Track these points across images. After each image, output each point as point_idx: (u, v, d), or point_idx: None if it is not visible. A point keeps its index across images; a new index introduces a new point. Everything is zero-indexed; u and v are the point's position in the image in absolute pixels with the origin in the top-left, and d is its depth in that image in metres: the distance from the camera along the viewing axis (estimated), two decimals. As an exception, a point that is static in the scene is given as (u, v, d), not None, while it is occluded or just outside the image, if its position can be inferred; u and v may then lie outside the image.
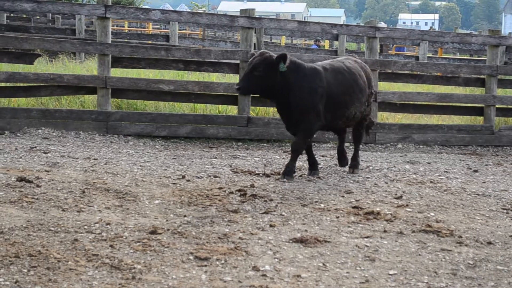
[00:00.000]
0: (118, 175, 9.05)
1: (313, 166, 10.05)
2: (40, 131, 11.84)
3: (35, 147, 10.59)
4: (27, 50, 14.56)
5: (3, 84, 12.77)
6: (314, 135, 10.17)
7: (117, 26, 38.41)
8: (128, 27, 39.60)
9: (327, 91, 9.64)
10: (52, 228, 6.52)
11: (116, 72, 14.13)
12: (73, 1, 48.35)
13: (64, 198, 7.64)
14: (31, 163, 9.43)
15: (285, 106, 9.61)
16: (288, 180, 9.41)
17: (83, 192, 7.95)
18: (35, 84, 12.47)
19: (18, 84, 12.60)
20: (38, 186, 8.04)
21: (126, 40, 24.46)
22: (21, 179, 8.19)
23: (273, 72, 9.32)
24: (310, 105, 9.52)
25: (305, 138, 9.64)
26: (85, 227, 6.64)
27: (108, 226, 6.71)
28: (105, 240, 6.30)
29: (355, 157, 10.53)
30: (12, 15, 30.99)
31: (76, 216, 6.98)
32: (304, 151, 9.90)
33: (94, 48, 12.62)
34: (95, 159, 9.99)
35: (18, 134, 11.65)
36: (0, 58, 12.64)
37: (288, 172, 9.56)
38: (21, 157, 9.74)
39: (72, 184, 8.27)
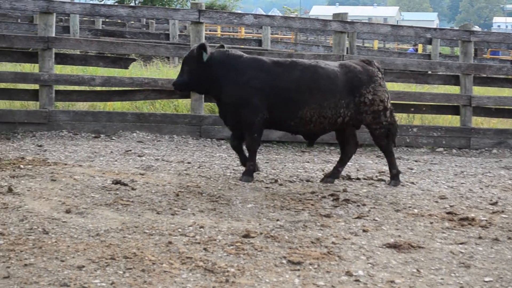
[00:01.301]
0: (212, 179, 9.11)
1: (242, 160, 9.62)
2: (134, 134, 12.01)
3: (130, 150, 10.75)
4: (122, 55, 14.80)
5: (99, 88, 13.00)
6: (260, 129, 9.32)
7: (210, 31, 38.71)
8: (221, 31, 39.88)
9: (272, 85, 9.20)
10: (147, 231, 6.60)
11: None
12: (167, 6, 48.99)
13: (158, 201, 7.73)
14: (126, 166, 9.58)
15: (219, 100, 9.47)
16: (247, 181, 9.17)
17: (177, 195, 8.03)
18: (130, 88, 12.66)
19: (113, 88, 12.81)
20: (133, 189, 8.15)
21: (218, 44, 24.61)
22: (116, 182, 8.33)
23: (201, 65, 9.21)
24: (240, 98, 9.16)
25: (250, 135, 9.24)
26: (179, 230, 6.70)
27: (201, 229, 6.76)
28: (199, 243, 6.34)
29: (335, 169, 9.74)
30: (107, 20, 31.56)
31: (170, 219, 7.06)
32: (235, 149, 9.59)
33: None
34: (188, 162, 10.08)
35: (114, 138, 11.83)
36: (96, 63, 12.86)
37: (248, 171, 9.32)
38: (116, 160, 9.89)
39: (166, 187, 8.36)
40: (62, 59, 12.53)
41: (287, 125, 9.40)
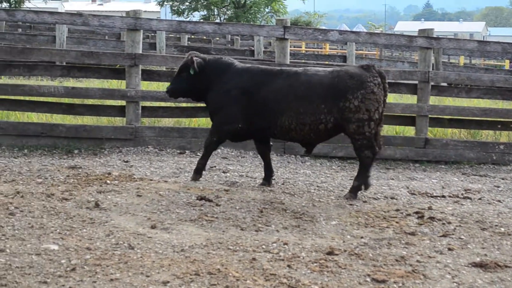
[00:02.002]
0: (295, 195, 9.11)
1: (266, 172, 9.79)
2: (219, 150, 12.08)
3: (215, 166, 10.82)
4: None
5: (184, 105, 13.13)
6: (229, 138, 9.69)
7: (294, 47, 38.81)
8: (305, 47, 39.93)
9: (253, 93, 9.29)
10: (231, 247, 6.62)
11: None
12: (252, 23, 49.25)
13: (242, 217, 7.75)
14: (211, 182, 9.64)
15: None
16: (194, 179, 9.52)
17: (261, 211, 8.04)
18: (215, 105, 12.74)
19: (198, 105, 12.91)
20: (217, 205, 8.20)
21: (303, 61, 24.65)
22: (201, 198, 8.39)
23: (196, 74, 9.40)
24: (219, 106, 9.43)
25: (212, 137, 9.58)
26: (263, 246, 6.71)
27: (285, 246, 6.75)
28: (283, 260, 6.34)
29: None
30: (193, 37, 31.91)
31: (254, 235, 7.07)
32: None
33: (272, 69, 12.78)
34: (273, 179, 10.09)
35: (199, 154, 11.89)
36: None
37: (197, 170, 9.66)
38: (203, 175, 9.95)
39: (250, 204, 8.38)
40: (148, 75, 12.69)
41: (272, 134, 9.48)
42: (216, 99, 9.45)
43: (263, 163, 9.84)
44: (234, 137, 9.68)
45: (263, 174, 9.81)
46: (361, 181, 9.30)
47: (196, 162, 9.79)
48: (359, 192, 9.33)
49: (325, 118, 9.12)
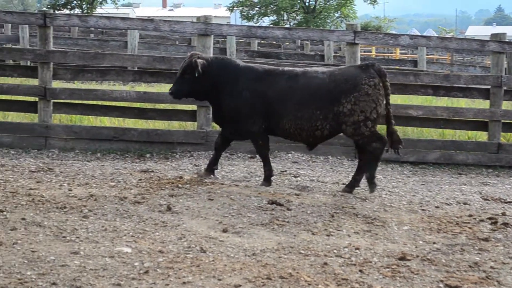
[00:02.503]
0: (367, 200, 9.05)
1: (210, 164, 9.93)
2: (290, 155, 12.08)
3: (285, 171, 10.82)
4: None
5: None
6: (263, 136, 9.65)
7: (364, 52, 38.64)
8: (375, 52, 39.72)
9: (263, 95, 9.38)
10: (302, 251, 6.61)
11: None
12: (321, 28, 49.17)
13: (313, 221, 7.74)
14: (282, 186, 9.64)
15: (217, 108, 9.78)
16: (267, 186, 9.47)
17: (332, 216, 8.02)
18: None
19: (269, 109, 12.93)
20: (288, 209, 8.20)
21: (373, 66, 24.51)
22: (272, 202, 8.39)
23: (200, 75, 9.41)
24: (236, 109, 9.48)
25: (256, 142, 9.68)
26: (335, 251, 6.68)
27: (357, 250, 6.72)
28: (354, 264, 6.31)
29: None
30: (263, 42, 32.00)
31: (326, 240, 7.05)
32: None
33: (343, 74, 12.76)
34: (343, 183, 10.04)
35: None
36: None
37: (266, 177, 9.65)
38: (272, 181, 9.96)
39: (321, 208, 8.36)
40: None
41: (277, 134, 9.74)
42: (230, 102, 9.52)
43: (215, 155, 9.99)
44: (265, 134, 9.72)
45: (335, 178, 9.76)
46: (373, 172, 9.34)
47: (263, 171, 9.77)
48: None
49: (321, 125, 9.29)
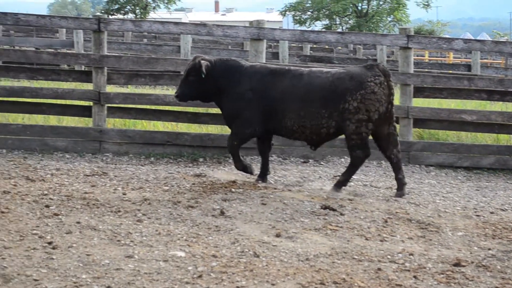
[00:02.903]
0: (420, 206, 8.99)
1: (262, 169, 10.09)
2: (342, 159, 12.04)
3: (338, 175, 10.77)
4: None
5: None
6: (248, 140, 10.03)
7: (417, 56, 38.39)
8: (429, 56, 39.44)
9: (264, 95, 9.51)
10: (356, 257, 6.59)
11: (418, 102, 14.10)
12: (374, 32, 48.99)
13: (367, 227, 7.71)
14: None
15: (221, 109, 10.03)
16: (250, 172, 9.92)
17: (386, 221, 7.98)
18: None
19: (321, 114, 12.90)
20: (341, 214, 8.17)
21: (426, 70, 24.36)
22: (325, 207, 8.38)
23: (205, 77, 9.53)
24: (236, 112, 9.64)
25: (232, 141, 9.76)
26: (388, 256, 6.65)
27: (411, 256, 6.68)
28: (408, 270, 6.27)
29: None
30: (315, 46, 31.95)
31: (379, 245, 7.02)
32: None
33: (396, 78, 12.67)
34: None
35: (322, 163, 11.91)
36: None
37: (243, 170, 9.94)
38: (325, 185, 9.94)
39: (374, 213, 8.32)
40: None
41: (280, 134, 9.85)
42: (231, 105, 9.69)
43: (261, 160, 10.15)
44: (251, 138, 9.98)
45: (388, 184, 9.71)
46: (347, 178, 9.49)
47: (234, 167, 10.10)
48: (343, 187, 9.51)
49: (326, 123, 9.38)
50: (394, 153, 9.56)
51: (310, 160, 12.00)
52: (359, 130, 9.23)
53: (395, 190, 9.67)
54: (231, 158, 10.06)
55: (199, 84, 9.66)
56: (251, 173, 9.99)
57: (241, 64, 9.81)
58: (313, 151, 10.20)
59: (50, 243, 6.47)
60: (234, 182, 9.71)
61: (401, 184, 9.59)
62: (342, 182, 9.45)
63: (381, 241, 7.20)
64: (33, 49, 24.37)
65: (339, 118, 9.28)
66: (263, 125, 9.59)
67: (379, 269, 6.24)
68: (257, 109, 9.51)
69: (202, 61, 9.60)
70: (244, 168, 9.92)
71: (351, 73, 9.36)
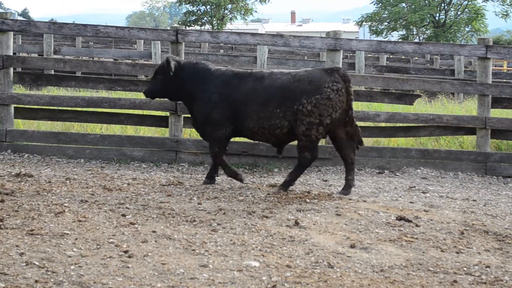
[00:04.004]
0: (497, 217, 8.86)
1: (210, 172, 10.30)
2: (418, 171, 11.95)
3: (414, 186, 10.70)
4: (407, 91, 14.80)
5: (383, 124, 13.08)
6: (225, 141, 10.04)
7: (495, 66, 37.84)
8: (507, 67, 38.84)
9: (230, 97, 9.73)
10: (431, 268, 6.52)
11: (496, 113, 13.90)
12: (451, 42, 48.43)
13: (442, 238, 7.62)
14: (410, 202, 9.53)
15: (189, 110, 10.26)
16: (240, 180, 10.07)
17: (462, 233, 7.88)
18: (414, 125, 12.62)
19: (397, 124, 12.83)
20: (417, 225, 8.10)
21: (505, 80, 23.99)
22: (400, 218, 8.31)
23: (172, 77, 9.88)
24: (205, 114, 9.86)
25: (213, 147, 9.99)
26: (464, 268, 6.57)
27: (487, 269, 6.58)
28: (485, 283, 6.18)
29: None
30: (391, 56, 31.76)
31: (455, 257, 6.93)
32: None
33: (474, 89, 12.54)
34: (473, 200, 9.88)
35: (397, 174, 11.83)
36: (381, 99, 12.92)
37: (234, 177, 10.14)
38: (400, 196, 9.88)
39: (450, 225, 8.23)
40: (367, 96, 12.84)
41: (245, 136, 10.11)
42: (200, 107, 9.91)
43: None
44: (227, 140, 10.11)
45: (464, 195, 9.61)
46: (294, 178, 9.85)
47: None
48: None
49: (280, 123, 9.64)
50: (350, 155, 9.92)
51: (386, 171, 11.94)
52: (309, 132, 9.53)
53: (340, 189, 10.01)
54: (221, 166, 10.17)
55: (166, 82, 10.01)
56: (241, 180, 10.14)
57: (209, 68, 10.03)
58: (278, 154, 10.43)
59: (126, 251, 6.56)
60: (308, 192, 9.71)
61: (348, 185, 9.89)
62: (288, 182, 9.82)
63: (457, 253, 7.11)
64: (112, 60, 24.75)
65: (292, 118, 9.56)
66: (232, 126, 9.85)
67: (455, 281, 6.16)
68: (225, 111, 9.75)
69: (170, 60, 9.91)
70: (234, 175, 10.13)
71: (310, 76, 9.62)
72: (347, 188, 9.84)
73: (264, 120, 9.63)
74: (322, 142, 12.29)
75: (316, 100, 9.44)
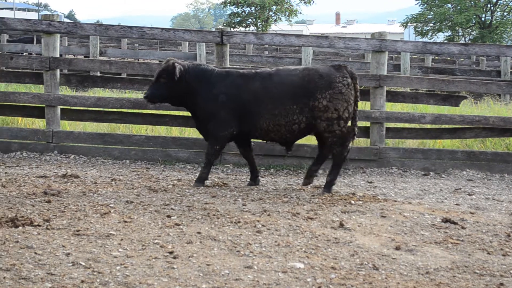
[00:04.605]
0: (545, 220, 8.76)
1: (252, 174, 10.30)
2: (464, 172, 11.86)
3: (460, 188, 10.62)
4: (453, 92, 14.70)
5: (428, 126, 12.99)
6: (226, 143, 10.12)
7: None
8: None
9: (238, 98, 9.70)
10: (477, 271, 6.47)
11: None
12: (497, 43, 47.97)
13: (489, 241, 7.55)
14: (456, 204, 9.46)
15: (193, 113, 10.07)
16: (198, 187, 9.74)
17: (508, 235, 7.80)
18: (459, 126, 12.52)
19: (443, 126, 12.74)
20: (462, 227, 8.04)
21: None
22: (446, 220, 8.26)
23: (177, 80, 9.66)
24: (210, 113, 9.73)
25: (213, 146, 9.88)
26: (511, 271, 6.50)
27: (534, 272, 6.51)
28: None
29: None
30: (437, 58, 31.55)
31: (501, 260, 6.86)
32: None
33: (521, 90, 12.42)
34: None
35: (443, 176, 11.75)
36: (426, 100, 12.84)
37: (199, 179, 9.96)
38: (445, 198, 9.81)
39: (497, 227, 8.15)
40: (393, 96, 12.67)
41: (254, 136, 10.03)
42: (206, 107, 9.78)
43: (248, 165, 10.40)
44: (229, 141, 10.14)
45: (511, 197, 9.52)
46: (334, 177, 9.92)
47: (199, 172, 10.20)
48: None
49: (298, 118, 9.70)
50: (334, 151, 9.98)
51: (431, 173, 11.86)
52: (331, 128, 9.68)
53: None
54: (204, 163, 10.06)
55: (170, 86, 9.80)
56: (203, 185, 9.96)
57: (212, 69, 9.98)
58: (288, 151, 10.42)
59: (171, 252, 6.59)
60: (353, 194, 9.68)
61: (311, 173, 10.04)
62: (330, 182, 9.92)
63: (503, 255, 7.04)
64: (157, 62, 24.90)
65: (310, 114, 9.69)
66: (239, 127, 9.81)
67: (501, 284, 6.11)
68: (233, 111, 9.70)
69: (176, 64, 9.75)
70: (204, 178, 9.99)
71: (320, 71, 9.76)
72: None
73: (280, 117, 9.68)
74: (367, 143, 12.27)
75: (330, 95, 9.61)
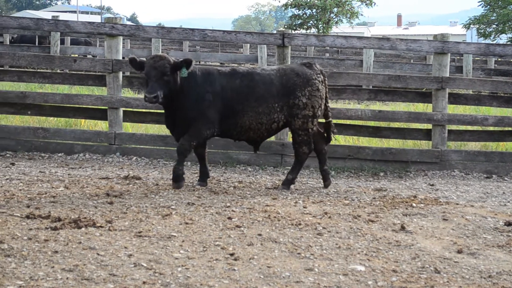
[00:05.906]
0: None
1: (202, 176, 10.02)
2: (523, 174, 11.73)
3: None
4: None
5: (491, 128, 12.84)
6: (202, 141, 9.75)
7: None
8: None
9: (221, 96, 9.53)
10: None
11: None
12: None
13: (554, 245, 7.44)
14: (519, 208, 9.35)
15: (174, 111, 9.52)
16: (176, 186, 9.54)
17: None
18: (525, 127, 12.38)
19: (506, 128, 12.58)
20: (526, 231, 7.94)
21: None
22: (508, 224, 8.16)
23: (176, 76, 9.36)
24: (198, 112, 9.44)
25: (190, 141, 9.51)
26: None
27: None
28: None
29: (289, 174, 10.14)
30: (500, 59, 31.16)
31: None
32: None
33: None
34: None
35: (506, 178, 11.61)
36: (489, 103, 12.70)
37: (176, 177, 9.60)
38: (508, 201, 9.69)
39: (561, 232, 8.03)
40: (455, 98, 12.54)
41: (235, 135, 9.87)
42: (193, 106, 9.47)
43: (199, 164, 10.13)
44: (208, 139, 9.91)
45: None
46: (295, 175, 10.04)
47: (173, 169, 9.76)
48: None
49: (277, 117, 9.77)
50: (323, 146, 10.25)
51: (494, 176, 11.73)
52: (306, 126, 9.82)
53: (323, 183, 10.32)
54: (178, 158, 9.60)
55: (171, 83, 9.28)
56: (177, 184, 9.63)
57: (197, 67, 9.74)
58: (255, 152, 10.41)
59: (232, 254, 6.62)
60: (415, 197, 9.62)
61: (326, 174, 10.26)
62: (290, 180, 10.01)
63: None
64: (218, 64, 25.03)
65: (288, 112, 9.77)
66: (220, 125, 9.66)
67: None
68: (217, 110, 9.55)
69: (188, 60, 9.39)
70: (179, 174, 9.61)
71: (296, 70, 9.86)
72: (327, 179, 10.26)
73: (263, 116, 9.68)
74: (429, 146, 12.18)
75: (309, 92, 9.78)
